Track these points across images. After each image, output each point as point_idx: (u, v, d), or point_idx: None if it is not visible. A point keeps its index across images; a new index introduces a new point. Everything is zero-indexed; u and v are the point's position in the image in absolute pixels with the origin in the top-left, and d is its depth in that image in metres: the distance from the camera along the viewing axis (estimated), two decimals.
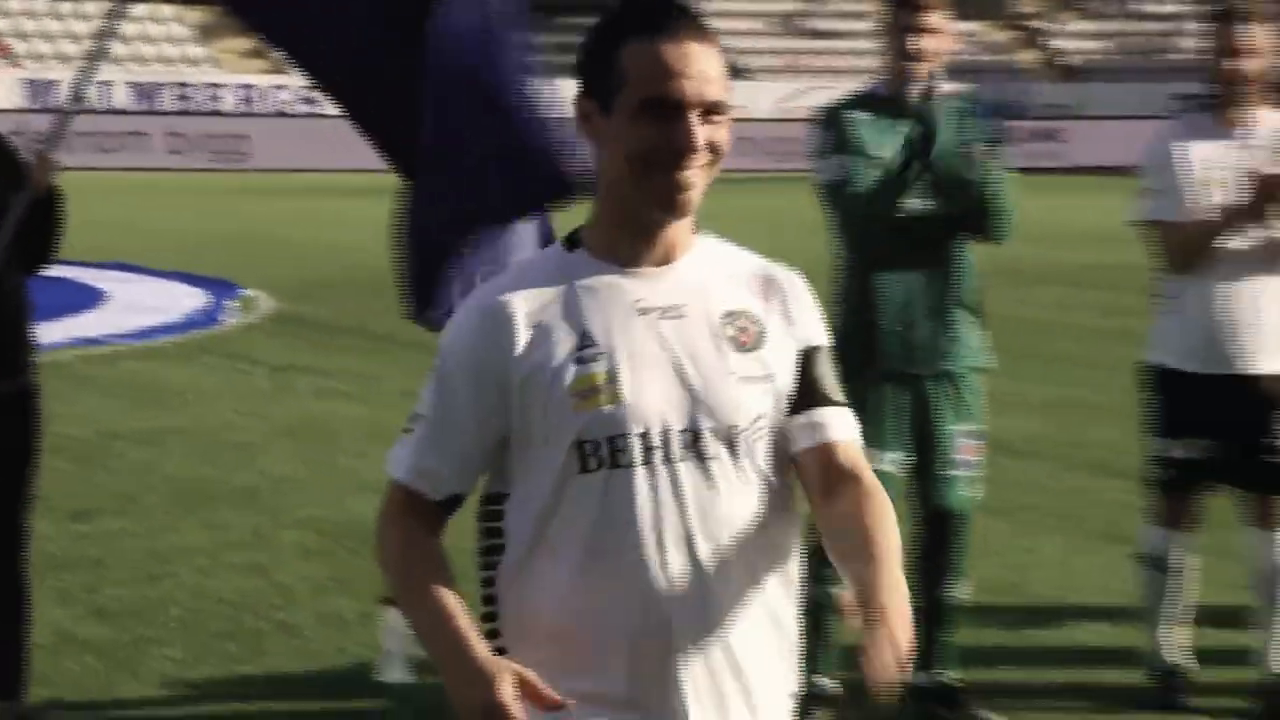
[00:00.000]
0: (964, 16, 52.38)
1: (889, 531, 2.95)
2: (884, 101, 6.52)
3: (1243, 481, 6.79)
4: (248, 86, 45.82)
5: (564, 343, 2.91)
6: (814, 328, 3.11)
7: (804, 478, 3.05)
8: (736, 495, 2.95)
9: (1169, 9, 55.68)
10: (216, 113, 46.20)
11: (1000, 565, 8.58)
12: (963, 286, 6.56)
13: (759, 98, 49.26)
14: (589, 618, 2.92)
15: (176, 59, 48.91)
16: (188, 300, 19.07)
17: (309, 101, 41.89)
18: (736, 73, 50.59)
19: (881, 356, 6.50)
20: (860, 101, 6.53)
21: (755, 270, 3.05)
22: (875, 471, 6.32)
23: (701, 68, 2.86)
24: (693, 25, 2.89)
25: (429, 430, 3.02)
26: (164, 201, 33.61)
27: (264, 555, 8.88)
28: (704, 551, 2.90)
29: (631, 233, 2.96)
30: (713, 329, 2.95)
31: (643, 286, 2.95)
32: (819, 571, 6.56)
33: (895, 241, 6.43)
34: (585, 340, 2.91)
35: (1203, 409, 6.65)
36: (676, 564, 2.89)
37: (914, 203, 6.40)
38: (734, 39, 52.62)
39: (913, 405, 6.54)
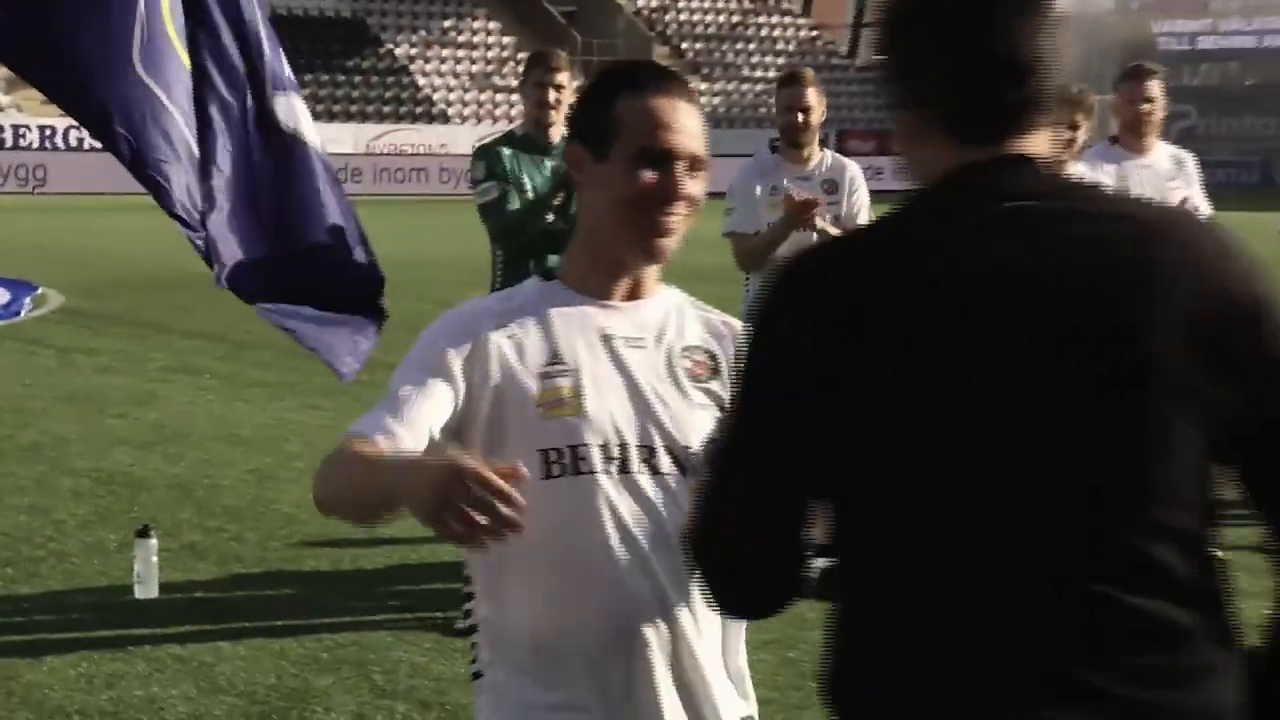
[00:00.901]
0: None
1: None
2: (524, 140, 6.58)
3: None
4: (47, 126, 44.58)
5: (535, 359, 2.58)
6: None
7: None
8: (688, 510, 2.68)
9: (768, 74, 56.80)
10: (19, 147, 45.13)
11: None
12: None
13: (458, 138, 49.16)
14: (558, 621, 2.54)
15: None
16: None
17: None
18: (446, 119, 50.55)
19: None
20: (506, 140, 6.61)
21: (714, 317, 2.73)
22: None
23: (688, 123, 2.57)
24: (681, 85, 2.63)
25: (391, 401, 2.52)
26: None
27: (43, 498, 8.58)
28: (662, 560, 2.52)
29: (607, 270, 2.64)
30: (671, 359, 2.63)
31: (611, 317, 2.62)
32: None
33: (536, 248, 6.45)
34: (554, 358, 2.59)
35: None
36: (638, 568, 2.53)
37: (552, 220, 6.42)
38: (441, 92, 52.31)
39: None
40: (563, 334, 2.61)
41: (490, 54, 54.66)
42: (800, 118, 7.01)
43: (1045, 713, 1.89)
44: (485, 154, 6.54)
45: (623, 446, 2.55)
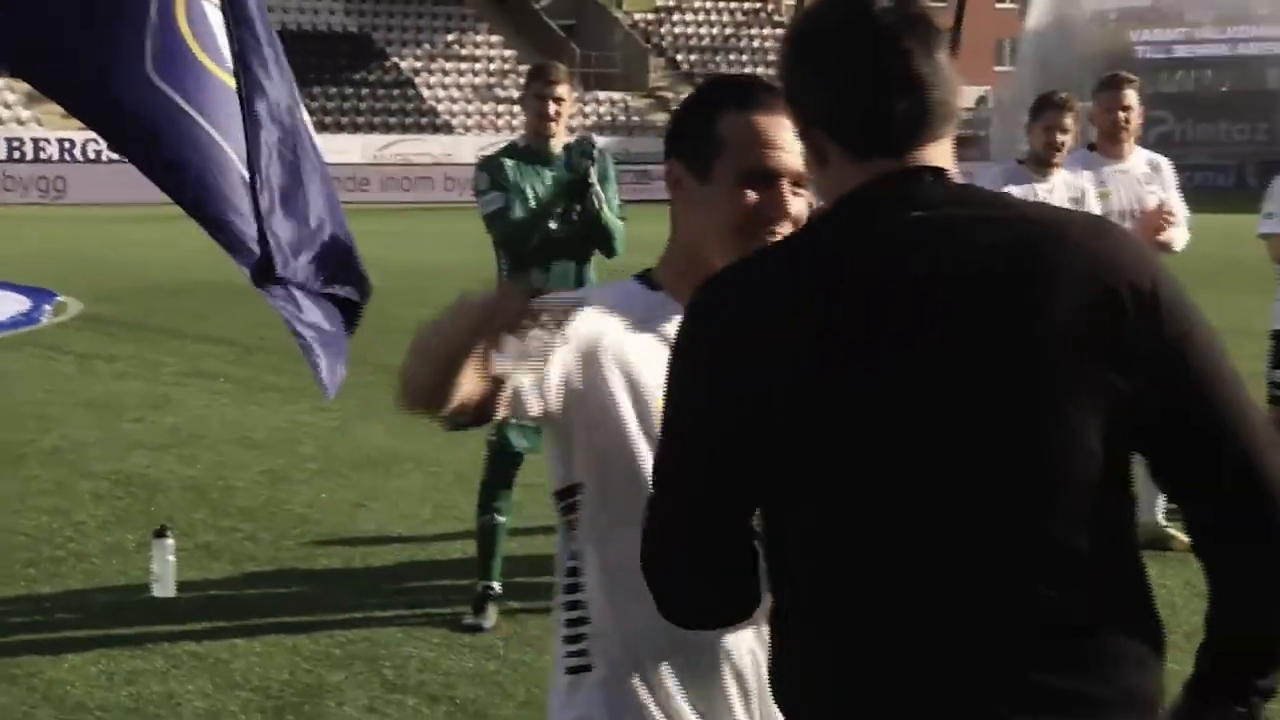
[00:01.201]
0: (614, 88, 52.68)
1: None
2: (526, 151, 6.55)
3: None
4: (66, 139, 44.47)
5: (653, 371, 2.37)
6: None
7: None
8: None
9: None
10: (39, 160, 45.03)
11: None
12: (590, 281, 6.59)
13: (462, 147, 49.12)
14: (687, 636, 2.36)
15: (9, 119, 47.17)
16: (13, 305, 18.35)
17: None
18: (450, 129, 50.56)
19: None
20: (509, 151, 6.59)
21: None
22: (533, 428, 6.43)
23: (791, 140, 2.38)
24: (780, 101, 2.38)
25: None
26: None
27: (64, 501, 8.55)
28: None
29: None
30: None
31: None
32: (487, 503, 6.56)
33: (539, 255, 6.46)
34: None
35: None
36: None
37: (555, 228, 6.42)
38: (445, 104, 52.26)
39: None
40: None
41: (492, 66, 54.62)
42: None
43: (965, 703, 1.90)
44: (488, 165, 6.55)
45: None
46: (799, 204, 2.42)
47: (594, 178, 6.39)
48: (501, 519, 6.54)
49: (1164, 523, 7.32)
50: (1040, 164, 7.23)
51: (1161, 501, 7.35)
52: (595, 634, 2.47)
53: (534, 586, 6.91)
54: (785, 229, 2.40)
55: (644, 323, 2.45)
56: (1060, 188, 7.21)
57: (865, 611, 1.95)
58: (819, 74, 2.04)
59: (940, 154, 2.03)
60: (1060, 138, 7.14)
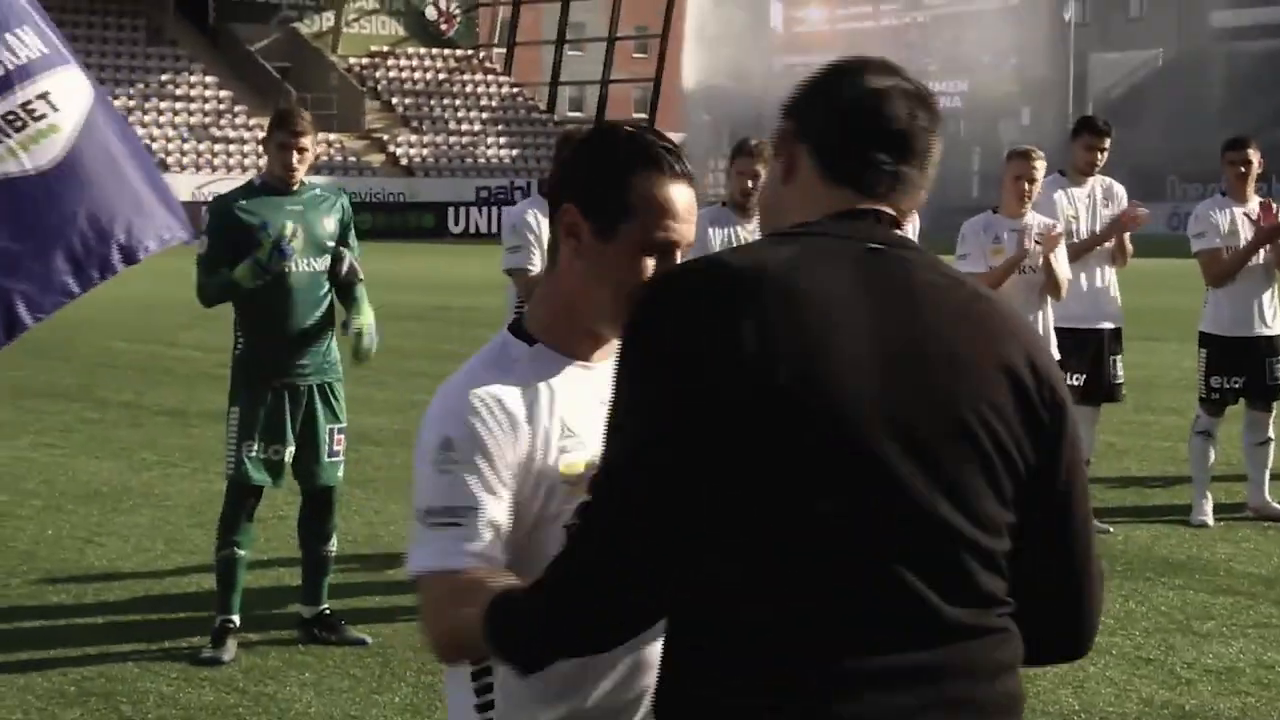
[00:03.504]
0: (330, 129, 51.98)
1: None
2: (264, 187, 6.42)
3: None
4: None
5: (552, 432, 2.33)
6: None
7: None
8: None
9: (474, 127, 56.65)
10: None
11: (360, 523, 8.47)
12: (327, 320, 6.49)
13: (179, 185, 47.76)
14: (578, 691, 2.33)
15: None
16: None
17: None
18: (164, 167, 49.12)
19: (273, 371, 6.37)
20: (244, 192, 6.43)
21: None
22: (270, 461, 6.29)
23: (692, 208, 2.35)
24: (685, 165, 2.37)
25: (475, 516, 2.25)
26: None
27: None
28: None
29: (591, 335, 2.40)
30: None
31: (600, 379, 2.29)
32: (227, 536, 6.36)
33: (278, 288, 6.32)
34: (565, 430, 2.34)
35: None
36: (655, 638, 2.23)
37: (298, 264, 6.32)
38: (160, 142, 50.75)
39: (295, 408, 6.41)
40: (567, 403, 2.36)
41: (208, 106, 53.28)
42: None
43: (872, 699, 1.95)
44: (215, 209, 6.36)
45: None
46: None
47: (283, 264, 6.24)
48: (242, 552, 6.35)
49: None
50: (739, 209, 7.35)
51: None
52: (499, 671, 2.35)
53: (273, 618, 6.73)
54: None
55: (528, 383, 2.35)
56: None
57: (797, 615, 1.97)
58: (832, 106, 2.15)
59: (896, 207, 2.15)
60: (752, 183, 7.24)
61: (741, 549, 1.96)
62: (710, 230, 7.18)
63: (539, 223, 7.04)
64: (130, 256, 4.09)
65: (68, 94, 4.10)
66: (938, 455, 1.98)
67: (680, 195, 2.35)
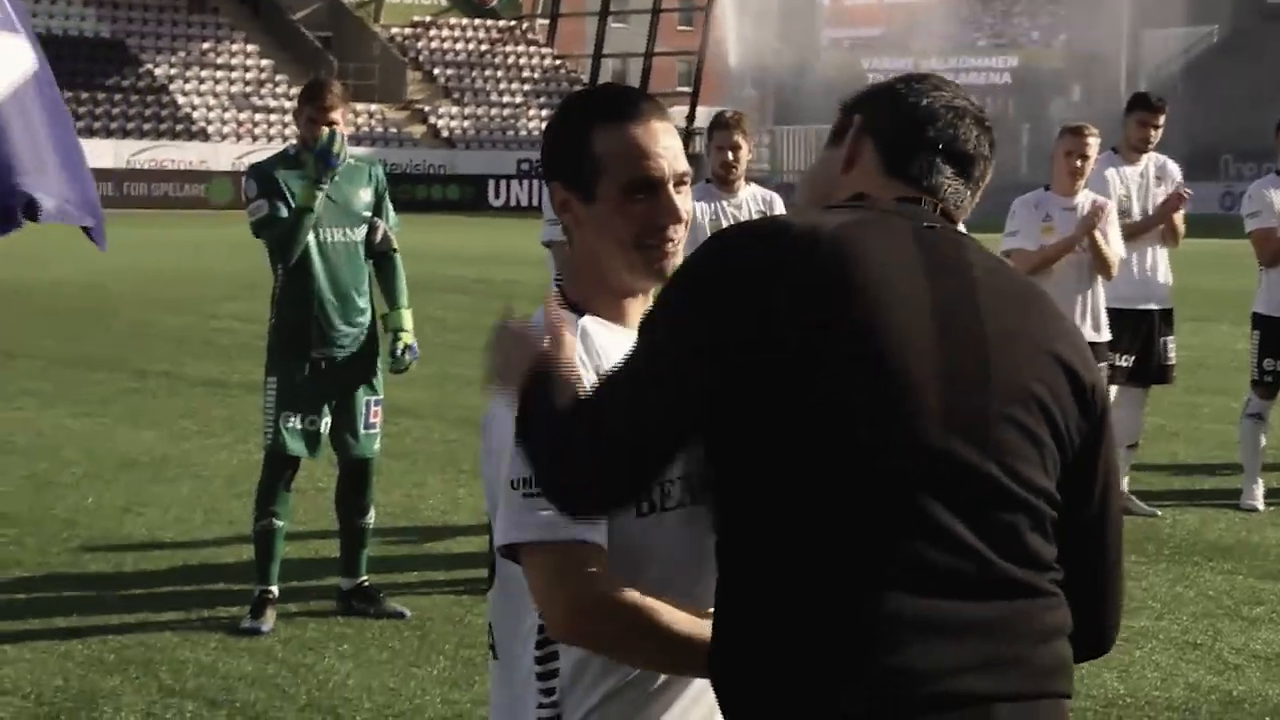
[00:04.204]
0: (371, 100, 52.07)
1: None
2: (297, 159, 6.46)
3: None
4: None
5: None
6: None
7: None
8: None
9: (515, 99, 56.66)
10: None
11: (399, 496, 8.51)
12: (366, 291, 6.53)
13: (219, 155, 48.00)
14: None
15: None
16: None
17: None
18: (205, 136, 49.40)
19: (310, 343, 6.40)
20: (280, 159, 6.50)
21: None
22: (308, 432, 6.34)
23: (668, 142, 2.36)
24: (651, 104, 2.38)
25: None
26: None
27: None
28: (712, 581, 2.22)
29: (620, 296, 2.41)
30: None
31: None
32: (264, 507, 6.41)
33: (314, 258, 6.38)
34: None
35: None
36: (708, 596, 2.21)
37: (326, 232, 6.38)
38: (201, 111, 50.96)
39: (334, 379, 6.45)
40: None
41: (249, 75, 53.44)
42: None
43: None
44: (257, 173, 6.46)
45: (686, 476, 2.28)
46: (685, 201, 2.39)
47: (338, 147, 6.25)
48: (280, 523, 6.40)
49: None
50: (721, 183, 7.22)
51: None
52: (564, 685, 2.31)
53: (311, 590, 6.78)
54: (680, 231, 2.38)
55: (589, 349, 2.34)
56: (748, 203, 7.27)
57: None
58: (907, 111, 2.26)
59: (944, 203, 2.25)
60: (732, 155, 7.16)
61: (789, 495, 2.02)
62: (697, 207, 7.12)
63: None
64: (31, 213, 4.02)
65: (2, 59, 4.09)
66: (989, 416, 2.05)
67: (644, 132, 2.35)
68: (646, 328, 2.17)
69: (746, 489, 2.05)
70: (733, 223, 7.64)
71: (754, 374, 2.02)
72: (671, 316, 2.12)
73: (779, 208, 7.31)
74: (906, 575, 1.98)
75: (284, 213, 6.30)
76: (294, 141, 6.55)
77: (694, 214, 7.75)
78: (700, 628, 2.18)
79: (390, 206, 6.64)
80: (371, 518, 6.64)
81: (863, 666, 1.96)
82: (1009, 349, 2.09)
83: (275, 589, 6.37)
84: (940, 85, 2.29)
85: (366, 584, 6.56)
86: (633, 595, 2.20)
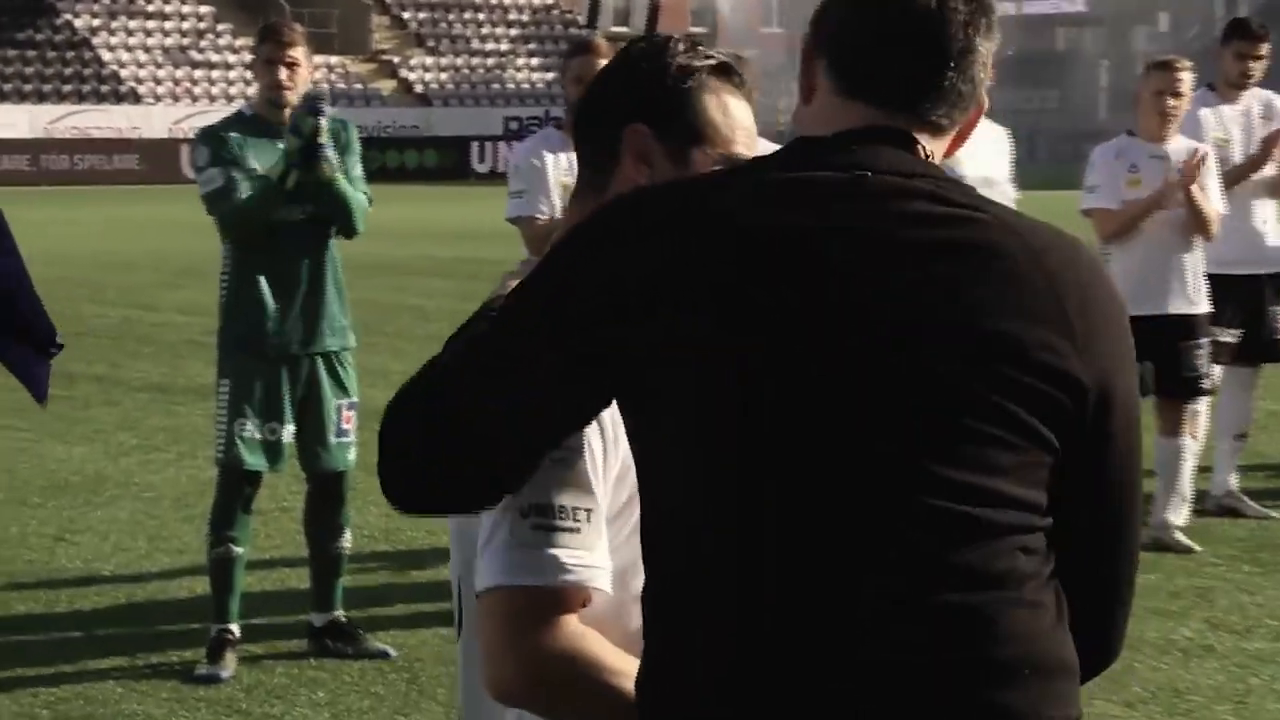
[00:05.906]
0: (331, 51, 52.16)
1: None
2: (254, 121, 6.49)
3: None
4: None
5: None
6: None
7: None
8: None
9: (500, 46, 56.73)
10: None
11: (378, 515, 8.54)
12: (332, 278, 6.54)
13: (152, 119, 48.09)
14: None
15: None
16: None
17: None
18: (137, 98, 49.52)
19: (265, 340, 6.43)
20: (234, 122, 6.53)
21: None
22: (268, 443, 6.35)
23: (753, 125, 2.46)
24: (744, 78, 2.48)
25: (590, 520, 2.25)
26: None
27: None
28: None
29: None
30: None
31: None
32: (220, 532, 6.44)
33: (273, 240, 6.39)
34: None
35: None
36: None
37: (290, 208, 6.38)
38: (130, 69, 51.07)
39: (295, 382, 6.48)
40: None
41: (186, 25, 53.60)
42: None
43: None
44: (208, 138, 6.46)
45: None
46: None
47: (325, 138, 6.30)
48: (238, 550, 6.43)
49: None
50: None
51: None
52: None
53: (279, 628, 6.81)
54: None
55: None
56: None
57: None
58: (846, 2, 2.13)
59: (931, 126, 2.10)
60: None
61: (697, 483, 2.04)
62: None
63: (548, 162, 6.91)
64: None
65: None
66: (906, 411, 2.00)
67: (747, 111, 2.44)
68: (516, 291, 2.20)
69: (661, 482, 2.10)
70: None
71: (656, 364, 2.05)
72: (549, 290, 2.15)
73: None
74: (846, 574, 2.00)
75: (241, 183, 6.32)
76: (246, 100, 6.57)
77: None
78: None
79: (362, 175, 6.60)
80: (347, 541, 6.66)
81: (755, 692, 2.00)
82: (928, 339, 2.00)
83: (235, 627, 6.40)
84: None
85: (343, 619, 6.59)
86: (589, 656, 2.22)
